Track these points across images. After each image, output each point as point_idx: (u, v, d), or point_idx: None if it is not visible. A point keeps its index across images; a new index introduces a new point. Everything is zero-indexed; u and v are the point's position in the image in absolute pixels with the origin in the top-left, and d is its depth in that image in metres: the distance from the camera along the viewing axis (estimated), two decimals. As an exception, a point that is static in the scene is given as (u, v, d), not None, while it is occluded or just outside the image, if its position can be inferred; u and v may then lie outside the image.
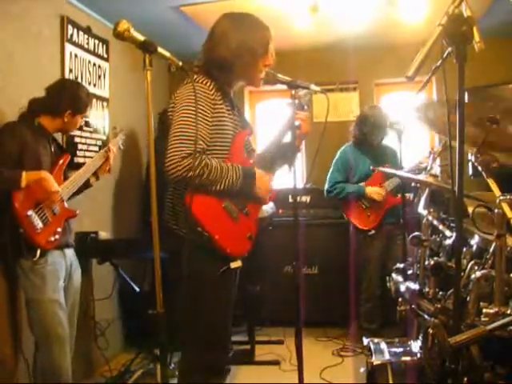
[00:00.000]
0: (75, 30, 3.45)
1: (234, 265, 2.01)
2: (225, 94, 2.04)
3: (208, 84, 1.96)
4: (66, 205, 2.64)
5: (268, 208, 3.87)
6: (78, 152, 3.48)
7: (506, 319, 1.44)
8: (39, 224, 2.44)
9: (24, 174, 2.36)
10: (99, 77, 3.77)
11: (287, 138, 2.15)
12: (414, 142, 4.60)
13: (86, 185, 2.82)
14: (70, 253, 2.71)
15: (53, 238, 2.51)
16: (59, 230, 2.56)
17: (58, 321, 2.51)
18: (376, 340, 2.19)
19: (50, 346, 2.50)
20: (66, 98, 2.62)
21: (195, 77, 1.98)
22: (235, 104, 2.16)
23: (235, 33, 2.03)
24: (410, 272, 2.40)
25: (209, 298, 2.01)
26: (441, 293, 1.95)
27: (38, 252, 2.43)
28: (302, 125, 2.13)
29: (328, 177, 4.07)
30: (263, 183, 2.07)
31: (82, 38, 3.53)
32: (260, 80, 2.13)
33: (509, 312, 1.57)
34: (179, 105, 1.94)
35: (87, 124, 3.60)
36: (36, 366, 2.61)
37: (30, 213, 2.40)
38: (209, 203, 1.96)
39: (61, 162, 2.68)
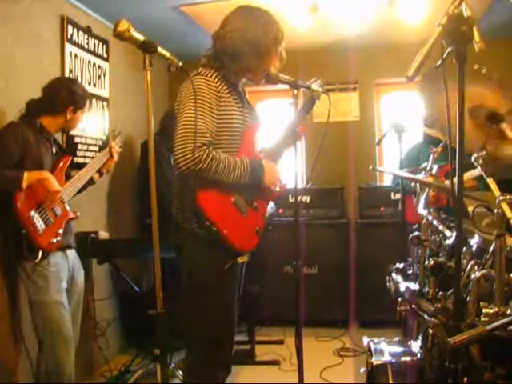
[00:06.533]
0: (75, 30, 3.45)
1: (241, 259, 2.02)
2: (232, 85, 2.03)
3: (212, 76, 1.96)
4: (67, 206, 2.64)
5: (268, 208, 3.87)
6: (77, 152, 3.48)
7: (506, 319, 1.44)
8: (41, 225, 2.44)
9: (26, 174, 2.36)
10: (99, 77, 3.77)
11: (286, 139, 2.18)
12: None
13: (90, 181, 2.84)
14: (71, 254, 2.71)
15: (55, 240, 2.51)
16: (60, 231, 2.56)
17: (62, 321, 2.51)
18: (376, 340, 2.20)
19: (54, 346, 2.50)
20: (65, 95, 2.61)
21: (199, 70, 1.99)
22: (244, 96, 2.16)
23: (254, 25, 2.04)
24: (409, 272, 2.40)
25: (215, 292, 2.01)
26: (441, 293, 1.95)
27: (40, 253, 2.43)
28: (300, 132, 2.16)
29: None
30: (272, 175, 2.08)
31: (81, 37, 3.53)
32: (262, 78, 2.13)
33: (509, 312, 1.57)
34: (185, 98, 1.94)
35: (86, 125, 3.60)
36: (39, 367, 2.61)
37: (32, 214, 2.40)
38: (218, 197, 1.96)
39: (62, 163, 2.68)
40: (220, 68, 2.01)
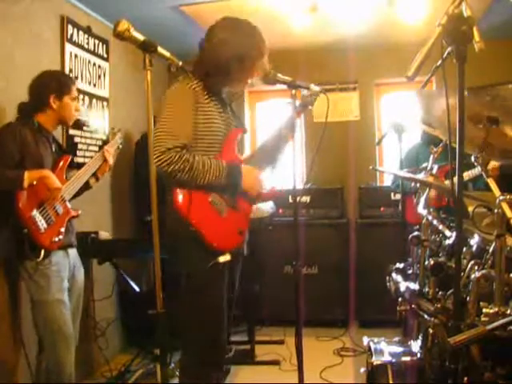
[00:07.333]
0: (75, 30, 3.45)
1: (222, 259, 2.04)
2: (213, 93, 2.10)
3: (192, 85, 2.04)
4: (68, 205, 2.64)
5: (268, 208, 3.88)
6: (77, 152, 3.48)
7: (506, 319, 1.44)
8: (43, 224, 2.44)
9: (26, 173, 2.36)
10: (99, 77, 3.77)
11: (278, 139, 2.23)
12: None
13: (86, 186, 2.82)
14: (73, 253, 2.71)
15: (56, 239, 2.51)
16: (62, 230, 2.56)
17: (63, 321, 2.52)
18: (376, 340, 2.20)
19: (56, 345, 2.50)
20: (45, 84, 2.60)
21: (180, 78, 2.07)
22: (227, 103, 2.22)
23: (239, 37, 2.09)
24: (410, 272, 2.40)
25: (200, 292, 2.04)
26: (441, 293, 1.95)
27: (42, 252, 2.43)
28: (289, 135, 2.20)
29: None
30: (251, 179, 2.12)
31: (82, 38, 3.53)
32: (245, 86, 2.22)
33: (509, 312, 1.57)
34: (163, 105, 2.05)
35: (86, 124, 3.60)
36: (39, 366, 2.62)
37: (33, 213, 2.40)
38: (194, 198, 2.01)
39: (62, 162, 2.67)
40: (204, 78, 2.08)
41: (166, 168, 1.92)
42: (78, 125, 3.45)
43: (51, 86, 2.60)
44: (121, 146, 3.11)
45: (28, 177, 2.36)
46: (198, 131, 2.04)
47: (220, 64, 2.06)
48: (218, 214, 2.05)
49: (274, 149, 2.24)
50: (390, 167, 4.96)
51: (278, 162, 2.28)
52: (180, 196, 1.99)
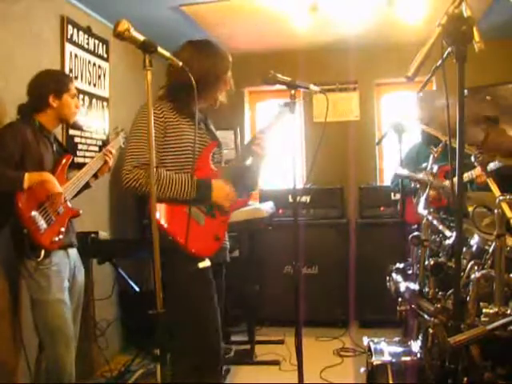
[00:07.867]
0: (75, 30, 3.45)
1: (201, 265, 2.08)
2: (185, 113, 2.17)
3: (160, 106, 2.13)
4: (69, 204, 2.64)
5: (268, 208, 3.88)
6: (77, 152, 3.48)
7: (506, 319, 1.44)
8: (43, 224, 2.44)
9: (27, 175, 2.36)
10: (99, 77, 3.77)
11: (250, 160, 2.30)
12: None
13: (86, 185, 2.82)
14: (73, 253, 2.71)
15: (57, 238, 2.51)
16: (63, 229, 2.56)
17: (64, 320, 2.52)
18: (376, 340, 2.20)
19: (55, 345, 2.50)
20: (43, 85, 2.60)
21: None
22: (202, 119, 2.30)
23: (202, 59, 2.19)
24: (409, 272, 2.40)
25: (183, 297, 2.07)
26: (441, 293, 1.95)
27: (43, 252, 2.43)
28: (257, 148, 2.25)
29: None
30: (221, 193, 2.17)
31: (81, 37, 3.53)
32: (214, 103, 2.30)
33: (509, 312, 1.57)
34: (132, 128, 2.15)
35: (81, 128, 3.60)
36: (39, 366, 2.62)
37: (33, 213, 2.40)
38: (171, 209, 2.07)
39: (63, 161, 2.67)
40: (173, 100, 2.17)
41: (133, 184, 2.02)
42: (77, 126, 3.45)
43: (50, 86, 2.60)
44: (123, 145, 3.11)
45: (28, 179, 2.36)
46: (170, 149, 2.13)
47: (185, 85, 2.06)
48: (195, 222, 2.09)
49: (240, 172, 2.30)
50: (390, 168, 4.96)
51: (251, 186, 2.37)
52: (157, 208, 2.02)
